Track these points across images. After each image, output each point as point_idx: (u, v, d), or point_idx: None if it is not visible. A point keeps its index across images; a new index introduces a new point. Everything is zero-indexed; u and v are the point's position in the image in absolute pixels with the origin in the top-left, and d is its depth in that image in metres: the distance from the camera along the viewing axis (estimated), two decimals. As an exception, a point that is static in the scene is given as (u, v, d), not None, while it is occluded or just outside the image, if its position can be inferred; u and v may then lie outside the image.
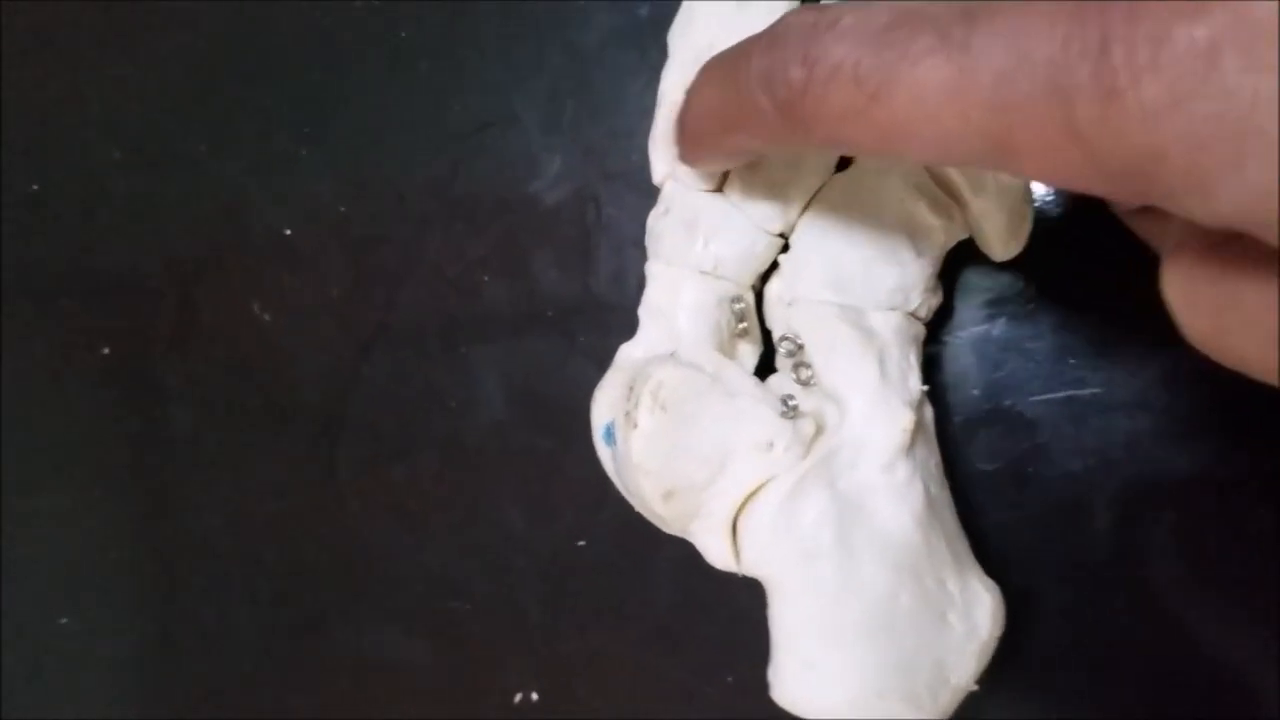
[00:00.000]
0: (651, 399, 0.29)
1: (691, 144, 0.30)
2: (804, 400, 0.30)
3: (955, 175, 0.30)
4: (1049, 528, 0.34)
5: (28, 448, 0.43)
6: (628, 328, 0.34)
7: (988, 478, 0.34)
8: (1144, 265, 0.24)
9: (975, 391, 0.34)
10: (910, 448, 0.29)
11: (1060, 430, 0.33)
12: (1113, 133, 0.17)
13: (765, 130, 0.24)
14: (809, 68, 0.22)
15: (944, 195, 0.31)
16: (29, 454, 0.43)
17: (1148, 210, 0.27)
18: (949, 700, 0.30)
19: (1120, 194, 0.19)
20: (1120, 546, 0.33)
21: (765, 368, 0.33)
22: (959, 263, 0.33)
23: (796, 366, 0.31)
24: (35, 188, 0.43)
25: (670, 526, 0.31)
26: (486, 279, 0.38)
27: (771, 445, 0.29)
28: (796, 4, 0.32)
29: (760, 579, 0.30)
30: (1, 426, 0.43)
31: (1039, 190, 0.33)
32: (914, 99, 0.20)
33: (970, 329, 0.34)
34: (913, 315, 0.31)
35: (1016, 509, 0.34)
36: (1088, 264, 0.33)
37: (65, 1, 0.42)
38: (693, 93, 0.28)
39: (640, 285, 0.34)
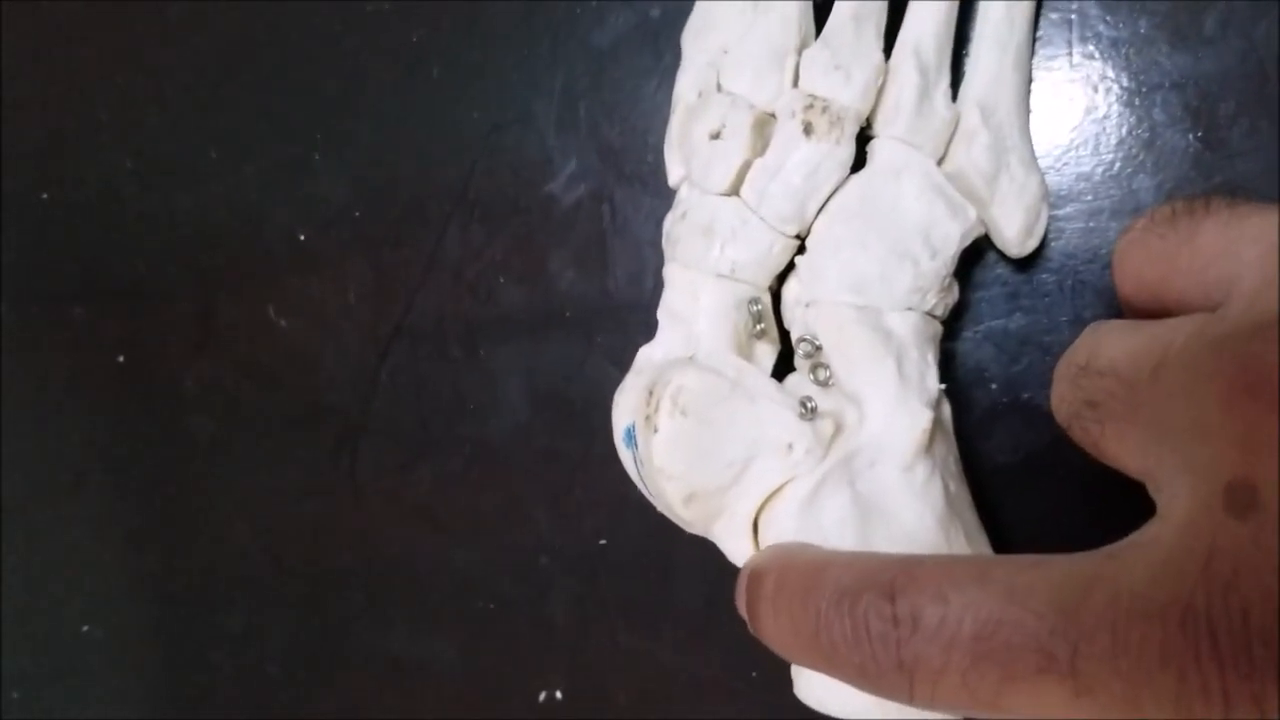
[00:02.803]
0: (672, 403, 0.29)
1: (770, 646, 0.28)
2: (822, 401, 0.30)
3: (971, 173, 0.30)
4: (1068, 521, 0.34)
5: (48, 456, 0.44)
6: (645, 327, 0.34)
7: (1006, 471, 0.34)
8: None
9: (994, 386, 0.34)
10: (929, 446, 0.29)
11: (1079, 423, 0.33)
12: None
13: (865, 689, 0.24)
14: (908, 674, 0.22)
15: (959, 194, 0.31)
16: (49, 463, 0.44)
17: None
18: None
19: None
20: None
21: (782, 366, 0.33)
22: (975, 258, 0.33)
23: (815, 368, 0.31)
24: (46, 196, 0.43)
25: (692, 527, 0.31)
26: (503, 281, 0.38)
27: (791, 447, 0.29)
28: (808, 4, 0.32)
29: (783, 579, 0.30)
30: (21, 435, 0.44)
31: (1054, 185, 0.33)
32: (1035, 709, 0.21)
33: (987, 323, 0.34)
34: (929, 314, 0.31)
35: (1036, 502, 0.34)
36: (1103, 257, 0.33)
37: (75, 10, 0.42)
38: (762, 613, 0.27)
39: (657, 285, 0.34)
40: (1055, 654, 0.20)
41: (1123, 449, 0.23)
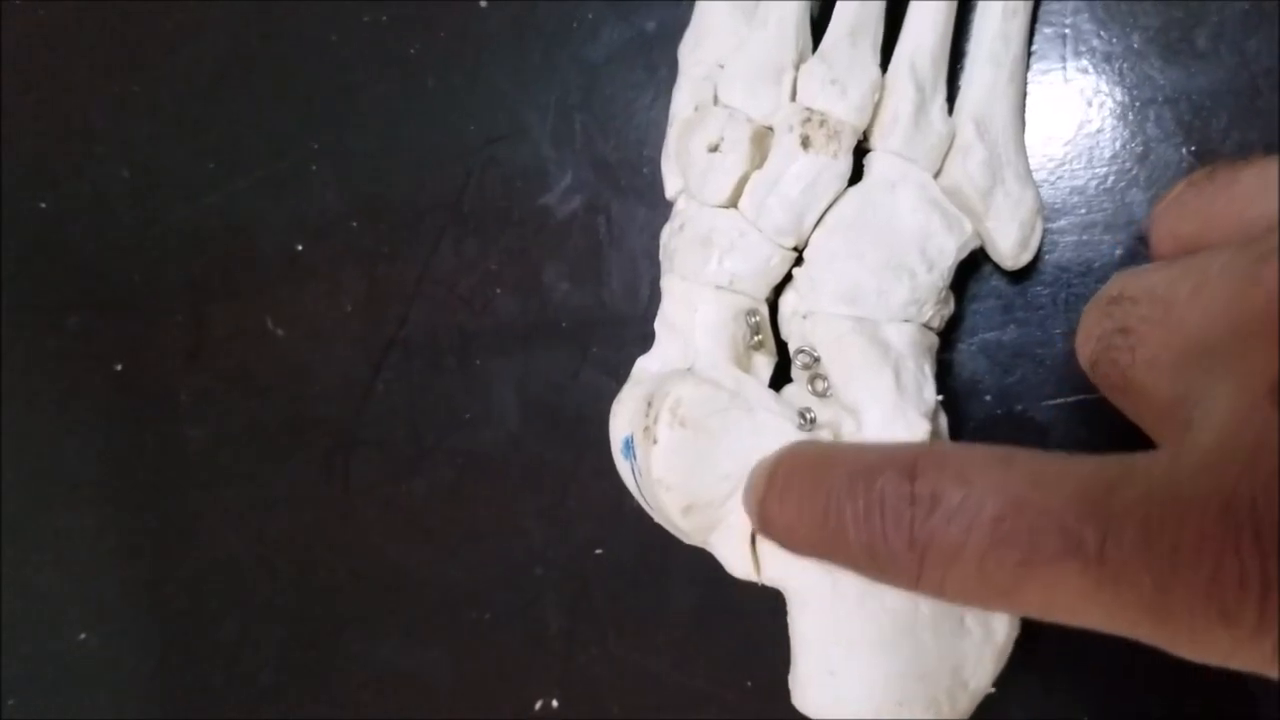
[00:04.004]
0: (671, 415, 0.29)
1: (776, 540, 0.27)
2: (820, 412, 0.30)
3: (967, 186, 0.31)
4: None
5: (43, 466, 0.44)
6: (641, 339, 0.34)
7: (1001, 482, 0.34)
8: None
9: (988, 397, 0.34)
10: (927, 458, 0.30)
11: (1073, 434, 0.34)
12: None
13: (870, 574, 0.24)
14: (919, 554, 0.21)
15: (955, 208, 0.31)
16: (45, 472, 0.44)
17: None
18: (967, 704, 0.30)
19: None
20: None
21: (779, 377, 0.33)
22: (970, 270, 0.33)
23: (813, 379, 0.31)
24: (43, 205, 0.43)
25: (690, 538, 0.31)
26: (499, 292, 0.38)
27: (790, 458, 0.29)
28: (808, 3, 0.32)
29: (781, 589, 0.30)
30: (17, 444, 0.43)
31: (1048, 198, 0.33)
32: (1049, 601, 0.20)
33: (982, 335, 0.34)
34: (926, 326, 0.31)
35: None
36: (1096, 270, 0.33)
37: (72, 20, 0.42)
38: (769, 501, 0.26)
39: (652, 296, 0.34)
40: (1084, 539, 0.19)
41: (1153, 375, 0.22)
